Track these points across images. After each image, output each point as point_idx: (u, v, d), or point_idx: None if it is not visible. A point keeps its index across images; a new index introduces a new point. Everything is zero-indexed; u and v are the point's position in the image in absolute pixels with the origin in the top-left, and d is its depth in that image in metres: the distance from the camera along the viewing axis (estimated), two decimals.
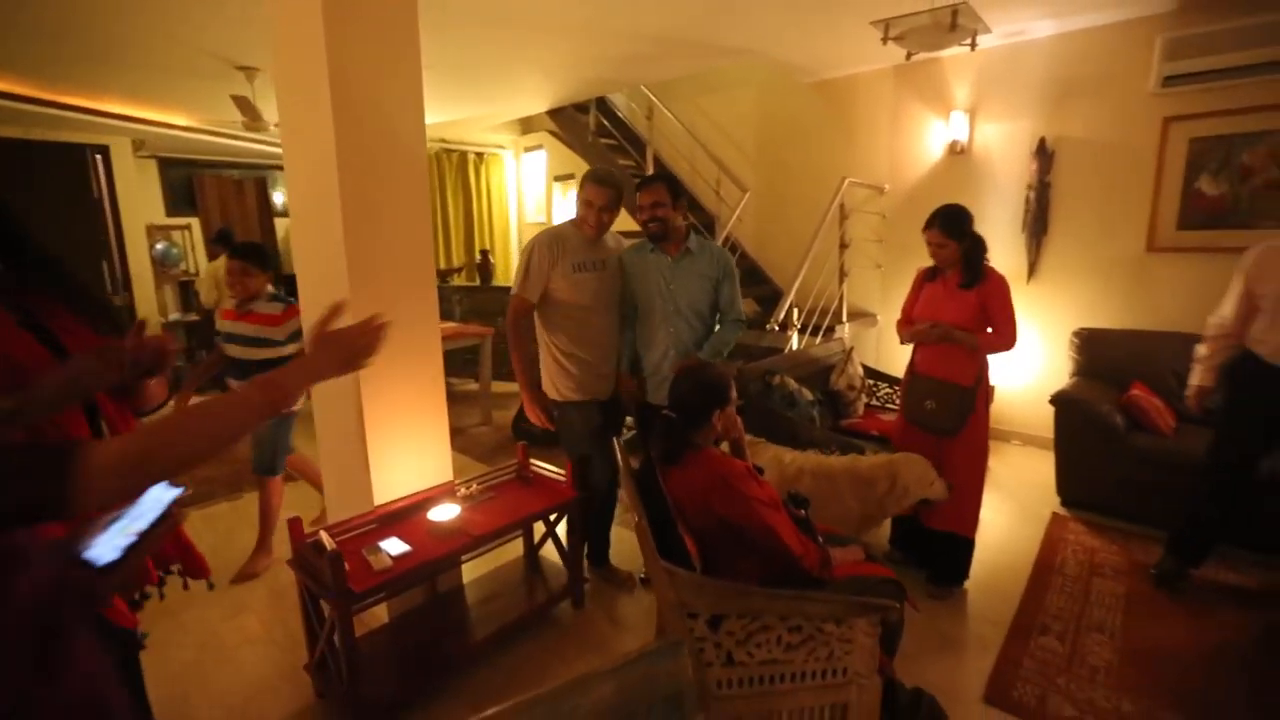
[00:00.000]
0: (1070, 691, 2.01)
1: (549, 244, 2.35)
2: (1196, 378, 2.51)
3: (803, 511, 1.72)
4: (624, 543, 2.79)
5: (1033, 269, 3.98)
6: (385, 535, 2.02)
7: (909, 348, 2.64)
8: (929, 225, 2.42)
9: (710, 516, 1.52)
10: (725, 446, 1.83)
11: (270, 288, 2.80)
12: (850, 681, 1.46)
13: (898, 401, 3.02)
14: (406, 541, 1.98)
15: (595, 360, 2.45)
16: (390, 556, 1.88)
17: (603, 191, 2.31)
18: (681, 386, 1.70)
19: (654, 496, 1.54)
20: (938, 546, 2.53)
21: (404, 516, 2.14)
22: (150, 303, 6.01)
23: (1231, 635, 2.27)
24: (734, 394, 1.72)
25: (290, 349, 2.72)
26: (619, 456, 1.80)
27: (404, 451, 2.24)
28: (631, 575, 2.67)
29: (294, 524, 1.93)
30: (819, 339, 4.10)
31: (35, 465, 0.70)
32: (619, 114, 6.18)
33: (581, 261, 2.37)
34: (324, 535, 1.87)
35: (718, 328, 2.51)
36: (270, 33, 2.13)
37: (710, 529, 1.52)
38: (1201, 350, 2.50)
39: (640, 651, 0.91)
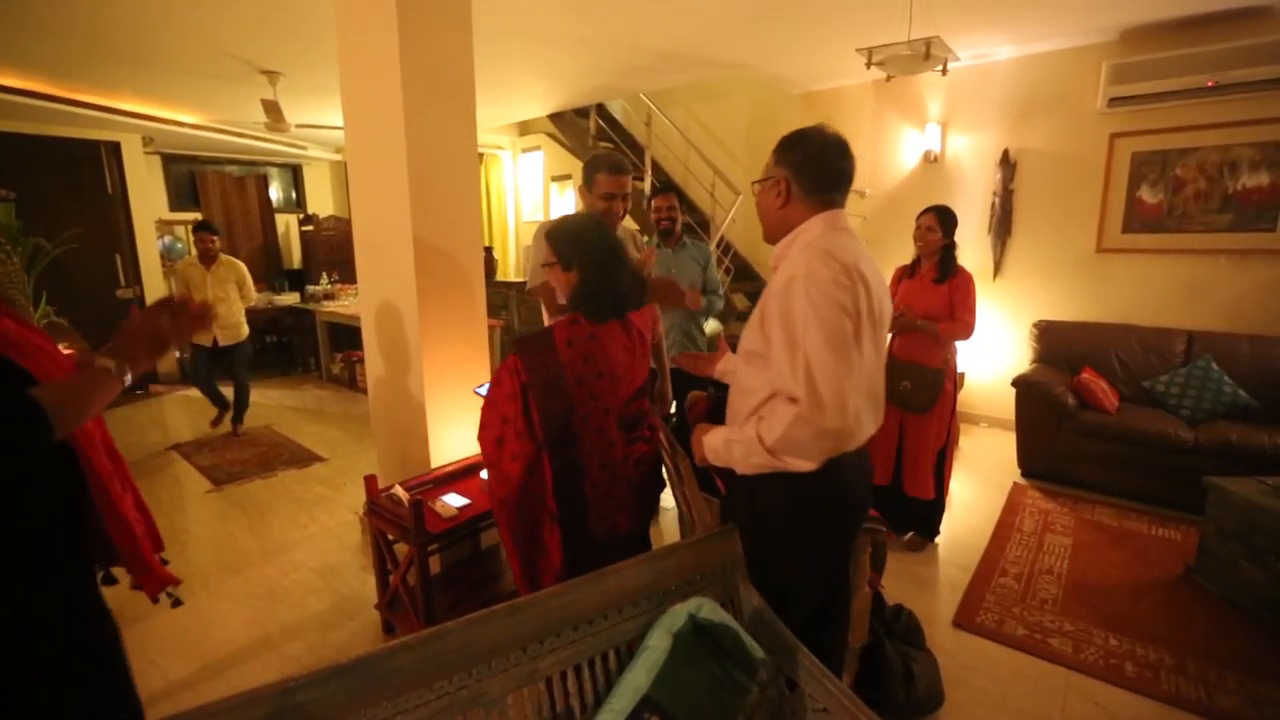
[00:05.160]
0: (1023, 617, 2.42)
1: None
2: None
3: None
4: None
5: (998, 267, 4.42)
6: (445, 492, 2.33)
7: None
8: (927, 211, 2.81)
9: None
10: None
11: None
12: None
13: None
14: (465, 496, 2.29)
15: None
16: (455, 508, 2.20)
17: (621, 180, 2.13)
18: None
19: (688, 448, 1.89)
20: (915, 511, 2.92)
21: (458, 478, 2.45)
22: (160, 294, 6.18)
23: (1157, 574, 2.70)
24: None
25: None
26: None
27: (455, 422, 2.55)
28: None
29: (370, 480, 2.23)
30: None
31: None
32: (617, 119, 6.50)
33: None
34: (399, 489, 2.18)
35: (703, 301, 2.85)
36: (292, 41, 2.41)
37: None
38: None
39: (708, 534, 1.25)
